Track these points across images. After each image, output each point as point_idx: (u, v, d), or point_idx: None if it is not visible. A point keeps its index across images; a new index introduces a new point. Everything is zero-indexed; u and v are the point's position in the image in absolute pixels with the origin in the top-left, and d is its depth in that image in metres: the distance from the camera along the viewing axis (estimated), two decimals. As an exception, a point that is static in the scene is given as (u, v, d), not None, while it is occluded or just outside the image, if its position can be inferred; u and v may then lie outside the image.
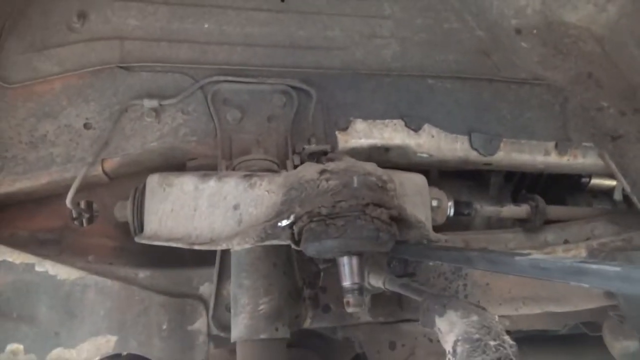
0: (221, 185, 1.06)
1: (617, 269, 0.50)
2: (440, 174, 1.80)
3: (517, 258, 0.65)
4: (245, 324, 1.13)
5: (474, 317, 0.76)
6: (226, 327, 1.24)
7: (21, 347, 1.19)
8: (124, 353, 1.57)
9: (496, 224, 1.78)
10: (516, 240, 1.62)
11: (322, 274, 1.35)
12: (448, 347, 0.75)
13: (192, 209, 1.09)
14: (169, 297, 1.29)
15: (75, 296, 1.24)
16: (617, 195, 1.99)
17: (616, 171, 1.52)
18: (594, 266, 0.53)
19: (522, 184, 1.89)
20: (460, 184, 1.87)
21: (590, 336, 2.02)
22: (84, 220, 1.44)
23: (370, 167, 0.99)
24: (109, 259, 1.39)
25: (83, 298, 1.24)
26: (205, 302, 1.30)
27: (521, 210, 1.62)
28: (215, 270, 1.30)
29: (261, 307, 1.13)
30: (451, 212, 1.53)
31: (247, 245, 0.99)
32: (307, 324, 1.34)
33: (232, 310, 1.17)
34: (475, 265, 0.74)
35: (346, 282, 0.96)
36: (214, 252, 1.33)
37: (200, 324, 1.28)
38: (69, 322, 1.23)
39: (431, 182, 1.59)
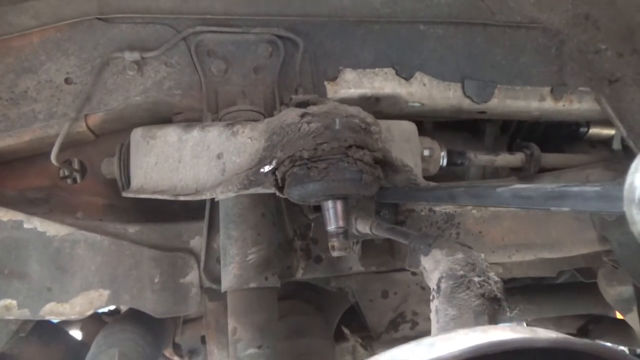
0: (204, 135, 1.04)
1: (597, 188, 0.48)
2: (435, 126, 1.77)
3: (499, 189, 0.63)
4: (234, 274, 1.13)
5: (459, 255, 0.75)
6: (218, 279, 1.24)
7: (14, 302, 1.20)
8: (123, 308, 1.60)
9: (491, 174, 1.76)
10: (510, 189, 1.60)
11: (312, 225, 1.35)
12: (432, 284, 0.74)
13: (176, 160, 1.07)
14: (160, 251, 1.29)
15: (65, 252, 1.24)
16: (616, 145, 1.95)
17: (613, 115, 1.49)
18: (575, 189, 0.51)
19: (518, 134, 1.86)
20: (455, 136, 1.84)
21: (584, 285, 2.04)
22: (72, 179, 1.43)
23: (354, 109, 0.96)
24: (98, 216, 1.38)
25: (73, 254, 1.25)
26: (196, 256, 1.30)
27: (516, 158, 1.59)
28: (204, 224, 1.30)
29: (250, 257, 1.13)
30: (444, 161, 1.51)
31: (231, 194, 0.98)
32: (300, 274, 1.35)
33: (221, 261, 1.18)
34: (459, 201, 0.72)
35: (331, 226, 0.95)
36: (204, 206, 1.32)
37: (192, 276, 1.28)
38: (60, 277, 1.23)
39: (425, 134, 1.57)
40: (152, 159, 1.11)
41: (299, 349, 1.40)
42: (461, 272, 0.72)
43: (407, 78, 1.47)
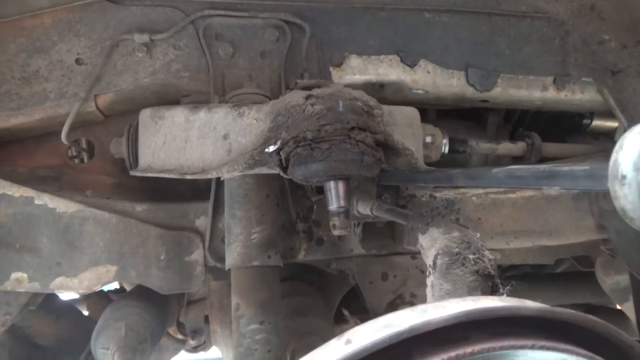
0: (211, 116, 1.07)
1: (585, 167, 0.51)
2: (438, 114, 1.79)
3: (494, 170, 0.66)
4: (238, 252, 1.16)
5: (455, 233, 0.77)
6: (222, 258, 1.28)
7: (25, 275, 1.24)
8: (127, 288, 1.64)
9: (493, 163, 1.78)
10: (511, 177, 1.62)
11: (315, 207, 1.38)
12: (429, 261, 0.77)
13: (183, 140, 1.10)
14: (166, 230, 1.32)
15: (75, 228, 1.28)
16: (619, 137, 1.96)
17: (614, 106, 1.50)
18: (565, 168, 0.54)
19: (521, 124, 1.88)
20: (458, 124, 1.85)
21: (582, 274, 2.06)
22: (82, 158, 1.46)
23: (357, 93, 0.98)
24: (106, 194, 1.42)
25: (82, 230, 1.28)
26: (201, 235, 1.33)
27: (517, 147, 1.61)
28: (210, 204, 1.33)
29: (254, 236, 1.16)
30: (446, 149, 1.53)
31: (237, 173, 1.01)
32: (302, 256, 1.38)
33: (226, 240, 1.21)
34: (456, 182, 0.75)
35: (332, 206, 0.98)
36: (210, 187, 1.36)
37: (197, 255, 1.32)
38: (69, 252, 1.27)
39: (428, 122, 1.59)
40: (159, 138, 1.14)
41: (299, 328, 1.44)
42: (457, 250, 0.75)
43: (412, 65, 1.49)
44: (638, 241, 1.43)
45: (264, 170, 1.00)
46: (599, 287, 1.92)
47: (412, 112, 1.27)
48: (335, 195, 0.97)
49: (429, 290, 0.75)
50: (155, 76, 1.35)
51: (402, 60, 1.49)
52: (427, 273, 0.76)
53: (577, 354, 0.56)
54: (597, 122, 1.88)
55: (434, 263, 0.75)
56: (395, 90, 1.51)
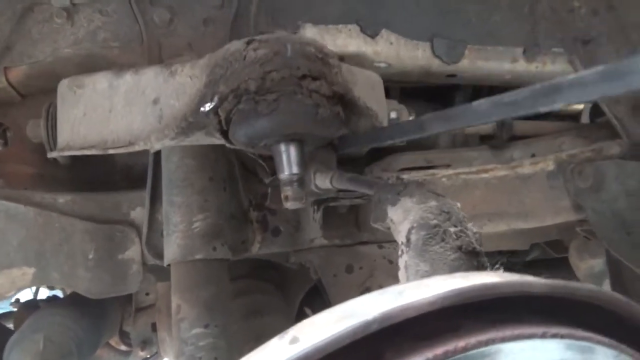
0: (138, 79, 0.90)
1: (599, 69, 0.38)
2: (402, 94, 1.67)
3: (475, 104, 0.52)
4: (178, 244, 1.00)
5: (432, 203, 0.64)
6: (162, 255, 1.10)
7: None
8: (63, 290, 1.43)
9: (461, 144, 1.67)
10: (481, 157, 1.51)
11: (269, 193, 1.22)
12: (401, 237, 0.63)
13: (106, 110, 0.93)
14: (95, 224, 1.13)
15: (-19, 224, 1.07)
16: (584, 119, 1.91)
17: (586, 78, 1.41)
18: (570, 77, 0.41)
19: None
20: (423, 105, 1.74)
21: (553, 261, 1.99)
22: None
23: (309, 39, 0.84)
24: (25, 186, 1.22)
25: (-9, 227, 1.08)
26: (137, 228, 1.15)
27: (487, 125, 1.51)
28: (147, 192, 1.15)
29: (195, 225, 0.99)
30: (413, 127, 1.41)
31: (168, 141, 0.84)
32: (256, 249, 1.22)
33: (164, 231, 1.04)
34: (430, 128, 0.61)
35: (284, 173, 0.83)
36: (146, 174, 1.18)
37: (133, 252, 1.14)
38: (-24, 254, 1.07)
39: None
40: (79, 110, 0.96)
41: (257, 330, 1.28)
42: (435, 222, 0.61)
43: (373, 36, 1.35)
44: (616, 220, 1.35)
45: (202, 138, 0.84)
46: (570, 275, 1.85)
47: (375, 77, 1.14)
48: (286, 160, 0.82)
49: (402, 274, 0.61)
50: (79, 46, 1.16)
51: (362, 30, 1.35)
52: (400, 252, 0.62)
53: (599, 342, 0.42)
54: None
55: (408, 239, 0.61)
56: (356, 63, 1.35)
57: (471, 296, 0.37)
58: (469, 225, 0.63)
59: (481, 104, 0.51)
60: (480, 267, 0.60)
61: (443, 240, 0.60)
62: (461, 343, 0.37)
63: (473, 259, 0.60)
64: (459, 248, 0.60)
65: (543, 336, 0.40)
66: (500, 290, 0.38)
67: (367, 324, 0.35)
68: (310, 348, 0.34)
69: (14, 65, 1.13)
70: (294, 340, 0.36)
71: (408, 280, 0.60)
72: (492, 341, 0.37)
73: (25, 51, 1.13)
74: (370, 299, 0.39)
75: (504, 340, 0.38)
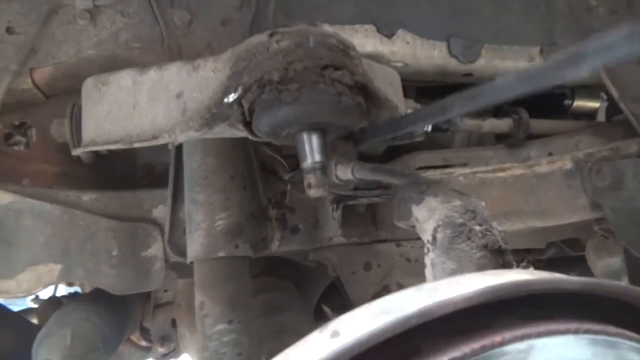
0: (162, 74, 0.92)
1: (622, 30, 0.39)
2: (419, 94, 1.68)
3: (499, 81, 0.53)
4: (200, 242, 1.01)
5: (457, 202, 0.65)
6: (184, 252, 1.12)
7: (-52, 280, 1.06)
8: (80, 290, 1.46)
9: (477, 142, 1.67)
10: (497, 156, 1.51)
11: (289, 191, 1.24)
12: (427, 236, 0.64)
13: (131, 106, 0.95)
14: (119, 222, 1.16)
15: (9, 222, 1.10)
16: (600, 118, 1.90)
17: (604, 76, 1.41)
18: (594, 42, 0.42)
19: (501, 106, 1.78)
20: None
21: (570, 260, 1.98)
22: (24, 144, 1.28)
23: (331, 31, 0.86)
24: (48, 185, 1.24)
25: (18, 224, 1.11)
26: (160, 226, 1.17)
27: (503, 123, 1.51)
28: (169, 190, 1.17)
29: (218, 223, 1.01)
30: (429, 126, 1.41)
31: (192, 132, 0.86)
32: (275, 247, 1.24)
33: (187, 229, 1.06)
34: (452, 110, 0.61)
35: (307, 162, 0.83)
36: (167, 173, 1.20)
37: (155, 249, 1.16)
38: (4, 250, 1.09)
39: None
40: (104, 107, 0.98)
41: (276, 326, 1.29)
42: (460, 220, 0.62)
43: (389, 36, 1.36)
44: (635, 218, 1.34)
45: (226, 130, 0.86)
46: (587, 273, 1.84)
47: (393, 73, 1.15)
48: (308, 149, 0.83)
49: (428, 271, 0.62)
50: (101, 47, 1.18)
51: (378, 30, 1.36)
52: (425, 250, 0.63)
53: (630, 339, 0.43)
54: (579, 103, 1.80)
55: (434, 238, 0.62)
56: (373, 63, 1.38)
57: (506, 293, 0.38)
58: (494, 224, 0.64)
59: (504, 81, 0.52)
60: (506, 265, 0.61)
61: (469, 238, 0.61)
62: (497, 338, 0.38)
63: (499, 257, 0.61)
64: (485, 246, 0.61)
65: (576, 332, 0.40)
66: (533, 287, 0.39)
67: (407, 319, 0.36)
68: (352, 341, 0.35)
69: (39, 66, 1.16)
70: (335, 334, 0.37)
71: (435, 277, 0.61)
72: (528, 336, 0.39)
73: (50, 52, 1.16)
74: (406, 296, 0.40)
75: (539, 335, 0.39)
